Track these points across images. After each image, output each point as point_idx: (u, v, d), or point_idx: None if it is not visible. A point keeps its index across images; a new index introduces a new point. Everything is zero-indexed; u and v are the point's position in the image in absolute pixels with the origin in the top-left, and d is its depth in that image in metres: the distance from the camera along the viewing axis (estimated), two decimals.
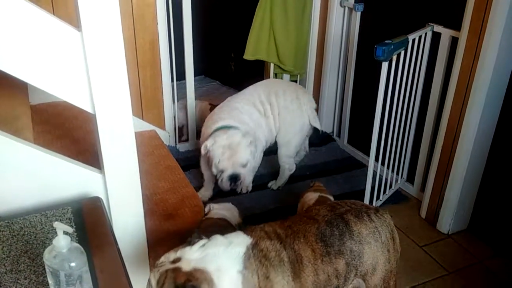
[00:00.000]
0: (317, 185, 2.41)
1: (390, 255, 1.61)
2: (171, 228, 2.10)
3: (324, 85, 3.48)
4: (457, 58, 2.32)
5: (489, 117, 2.31)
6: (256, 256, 1.38)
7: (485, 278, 2.27)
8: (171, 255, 1.38)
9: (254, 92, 2.82)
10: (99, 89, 1.55)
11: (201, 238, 1.42)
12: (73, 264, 1.12)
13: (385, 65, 2.27)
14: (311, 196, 2.28)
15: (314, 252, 1.49)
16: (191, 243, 1.39)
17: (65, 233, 1.13)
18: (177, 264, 1.33)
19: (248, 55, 3.22)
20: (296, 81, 3.59)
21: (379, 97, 2.39)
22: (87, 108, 1.60)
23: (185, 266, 1.32)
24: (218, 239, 1.42)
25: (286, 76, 3.49)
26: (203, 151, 2.56)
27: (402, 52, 2.39)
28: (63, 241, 1.12)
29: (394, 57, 2.32)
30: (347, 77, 3.35)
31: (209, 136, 2.55)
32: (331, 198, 2.31)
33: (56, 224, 1.12)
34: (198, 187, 2.68)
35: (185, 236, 2.11)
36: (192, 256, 1.35)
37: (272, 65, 3.36)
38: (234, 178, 2.53)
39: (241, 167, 2.51)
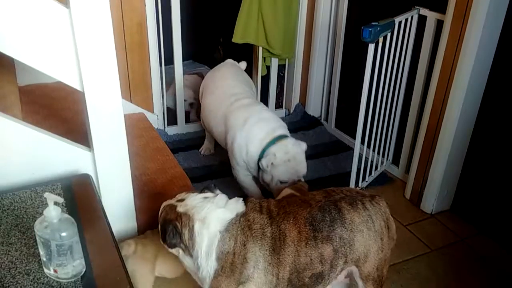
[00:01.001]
0: (300, 184, 2.32)
1: (383, 244, 1.60)
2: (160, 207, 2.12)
3: (312, 69, 3.51)
4: (442, 41, 2.36)
5: (472, 100, 2.36)
6: (241, 224, 1.48)
7: (467, 255, 2.33)
8: (181, 195, 1.59)
9: (249, 89, 2.78)
10: (88, 66, 1.56)
11: (213, 192, 1.59)
12: (64, 234, 1.15)
13: (371, 47, 2.30)
14: (284, 192, 2.20)
15: (300, 234, 1.51)
16: (201, 191, 1.58)
17: (56, 204, 1.15)
18: (178, 203, 1.52)
19: (237, 38, 3.23)
20: (284, 65, 3.62)
21: (365, 80, 2.42)
22: (76, 85, 1.61)
23: (181, 208, 1.49)
24: (219, 199, 1.54)
25: (275, 60, 3.51)
26: (266, 167, 2.29)
27: (389, 35, 2.43)
28: (53, 211, 1.15)
29: (381, 40, 2.35)
30: (335, 61, 3.38)
31: (263, 151, 2.35)
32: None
33: (47, 195, 1.14)
34: (186, 169, 2.69)
35: None
36: (192, 202, 1.50)
37: (260, 49, 3.37)
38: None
39: (302, 177, 2.37)
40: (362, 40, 2.27)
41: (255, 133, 2.38)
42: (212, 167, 3.02)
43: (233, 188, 2.67)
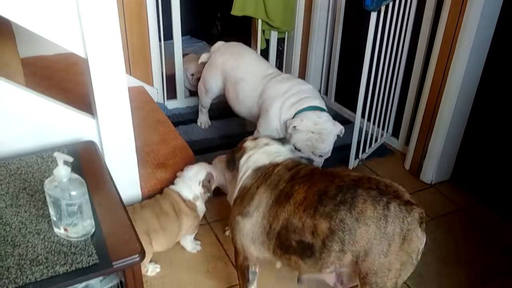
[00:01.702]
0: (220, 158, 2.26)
1: (390, 250, 1.45)
2: (163, 176, 2.14)
3: (312, 42, 3.49)
4: (443, 10, 2.35)
5: (473, 70, 2.37)
6: (266, 171, 1.67)
7: (467, 224, 2.37)
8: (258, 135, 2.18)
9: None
10: (91, 32, 1.56)
11: (284, 144, 1.84)
12: (73, 193, 1.16)
13: (373, 16, 2.29)
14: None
15: (304, 200, 1.53)
16: (270, 137, 1.87)
17: (65, 163, 1.16)
18: (251, 140, 1.84)
19: (236, 10, 3.20)
20: (283, 39, 3.60)
21: (367, 51, 2.42)
22: (79, 51, 1.60)
23: (247, 143, 1.82)
24: (273, 147, 1.79)
25: (274, 33, 3.49)
26: (290, 131, 2.24)
27: (390, 4, 2.41)
28: (63, 171, 1.15)
29: (383, 8, 2.34)
30: (335, 34, 3.36)
31: (293, 115, 2.29)
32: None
33: (57, 154, 1.14)
34: (187, 142, 2.68)
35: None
36: (256, 142, 1.81)
37: (259, 22, 3.35)
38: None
39: (319, 156, 2.26)
40: (364, 9, 2.26)
41: (292, 100, 2.32)
42: (213, 140, 3.03)
43: None
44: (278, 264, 1.85)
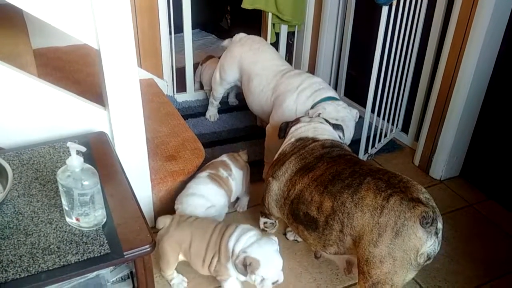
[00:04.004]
0: (241, 153, 2.28)
1: (380, 240, 1.44)
2: (173, 168, 2.15)
3: (321, 36, 3.48)
4: (456, 2, 2.32)
5: (485, 64, 2.34)
6: (304, 143, 1.83)
7: (476, 220, 2.36)
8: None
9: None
10: (104, 24, 1.56)
11: (337, 129, 2.02)
12: (86, 183, 1.17)
13: (385, 10, 2.28)
14: (218, 159, 2.23)
15: (320, 176, 1.64)
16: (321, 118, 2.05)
17: (78, 153, 1.17)
18: (306, 117, 2.05)
19: (247, 3, 3.19)
20: (293, 32, 3.59)
21: (378, 44, 2.41)
22: (92, 43, 1.61)
23: (304, 118, 2.02)
24: (323, 125, 1.94)
25: (284, 27, 3.47)
26: (314, 116, 2.21)
27: None
28: (76, 160, 1.16)
29: (394, 2, 2.32)
30: (345, 28, 3.34)
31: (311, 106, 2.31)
32: (235, 168, 2.20)
33: (69, 144, 1.15)
34: (196, 135, 2.69)
35: (187, 175, 2.17)
36: (314, 119, 2.00)
37: (270, 15, 3.34)
38: None
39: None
40: (375, 3, 2.24)
41: (307, 93, 2.35)
42: (222, 134, 3.03)
43: None
44: (290, 236, 2.16)
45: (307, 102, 2.32)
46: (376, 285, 1.49)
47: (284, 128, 2.00)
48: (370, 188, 1.49)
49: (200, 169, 2.20)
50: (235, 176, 2.17)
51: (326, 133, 1.90)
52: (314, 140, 1.83)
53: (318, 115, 2.18)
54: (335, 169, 1.63)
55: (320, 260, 1.99)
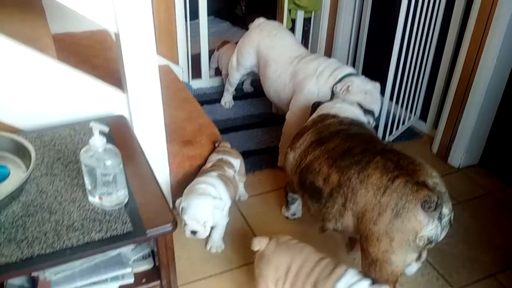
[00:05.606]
0: (222, 145, 2.25)
1: (380, 219, 1.46)
2: (190, 153, 2.16)
3: (338, 23, 3.44)
4: None
5: (508, 50, 2.30)
6: (324, 118, 1.87)
7: (494, 208, 2.33)
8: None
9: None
10: (123, 7, 1.55)
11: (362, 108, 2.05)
12: (108, 163, 1.18)
13: None
14: (212, 158, 2.15)
15: (331, 150, 1.68)
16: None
17: (101, 133, 1.17)
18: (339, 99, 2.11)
19: None
20: (310, 19, 3.56)
21: (398, 30, 2.38)
22: (111, 26, 1.60)
23: (336, 100, 2.11)
24: (349, 105, 1.97)
25: (300, 13, 3.44)
26: (340, 91, 2.25)
27: None
28: (99, 140, 1.17)
29: None
30: (363, 15, 3.30)
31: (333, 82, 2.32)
32: (235, 160, 2.15)
33: (93, 124, 1.16)
34: (212, 121, 2.71)
35: (204, 160, 2.18)
36: (345, 98, 2.12)
37: (286, 1, 3.31)
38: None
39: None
40: None
41: (326, 74, 2.35)
42: (237, 120, 3.03)
43: (255, 140, 2.79)
44: (284, 212, 2.21)
45: (328, 82, 2.33)
46: (375, 263, 1.52)
47: (316, 106, 2.03)
48: (378, 168, 1.51)
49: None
50: (237, 168, 2.14)
51: (350, 113, 1.90)
52: (334, 116, 1.87)
53: (347, 88, 2.19)
54: (348, 145, 1.66)
55: (326, 233, 1.93)
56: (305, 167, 1.74)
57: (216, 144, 2.25)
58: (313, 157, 1.72)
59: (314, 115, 1.95)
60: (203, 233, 1.81)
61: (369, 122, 2.00)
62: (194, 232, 1.80)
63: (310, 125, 1.88)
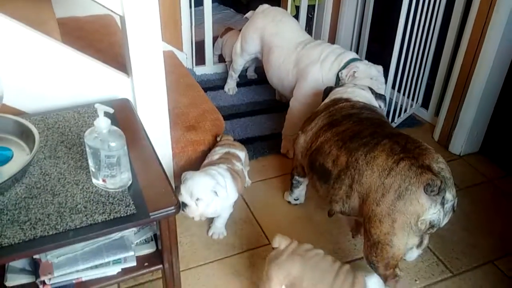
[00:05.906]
0: (225, 139, 2.24)
1: (382, 199, 1.47)
2: (194, 138, 2.17)
3: (342, 10, 3.43)
4: None
5: (509, 38, 2.29)
6: (336, 102, 1.89)
7: (495, 195, 2.35)
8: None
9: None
10: None
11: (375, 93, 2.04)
12: (113, 144, 1.18)
13: None
14: (218, 151, 2.12)
15: (341, 133, 1.70)
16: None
17: (106, 114, 1.18)
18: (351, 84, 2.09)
19: None
20: (314, 6, 3.54)
21: (401, 18, 2.37)
22: (116, 9, 1.61)
23: (348, 84, 2.07)
24: (362, 89, 1.97)
25: (305, 1, 3.43)
26: (346, 77, 2.27)
27: None
28: (103, 122, 1.18)
29: None
30: (367, 2, 3.29)
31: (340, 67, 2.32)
32: (240, 153, 2.16)
33: (97, 105, 1.17)
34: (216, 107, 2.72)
35: (207, 145, 2.19)
36: (357, 83, 2.08)
37: None
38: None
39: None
40: None
41: (330, 59, 2.36)
42: (241, 107, 3.04)
43: (258, 126, 2.79)
44: (287, 197, 2.23)
45: (332, 68, 2.33)
46: (376, 245, 1.53)
47: (328, 92, 2.04)
48: (385, 150, 1.53)
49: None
50: (243, 161, 2.15)
51: (362, 97, 1.91)
52: (346, 100, 1.88)
53: (353, 74, 2.19)
54: (358, 128, 1.68)
55: (333, 218, 1.94)
56: (316, 149, 1.76)
57: (218, 138, 2.24)
58: (324, 139, 1.74)
59: (327, 100, 1.96)
60: (192, 211, 1.81)
61: (380, 107, 2.00)
62: (184, 205, 1.80)
63: (323, 109, 1.90)
